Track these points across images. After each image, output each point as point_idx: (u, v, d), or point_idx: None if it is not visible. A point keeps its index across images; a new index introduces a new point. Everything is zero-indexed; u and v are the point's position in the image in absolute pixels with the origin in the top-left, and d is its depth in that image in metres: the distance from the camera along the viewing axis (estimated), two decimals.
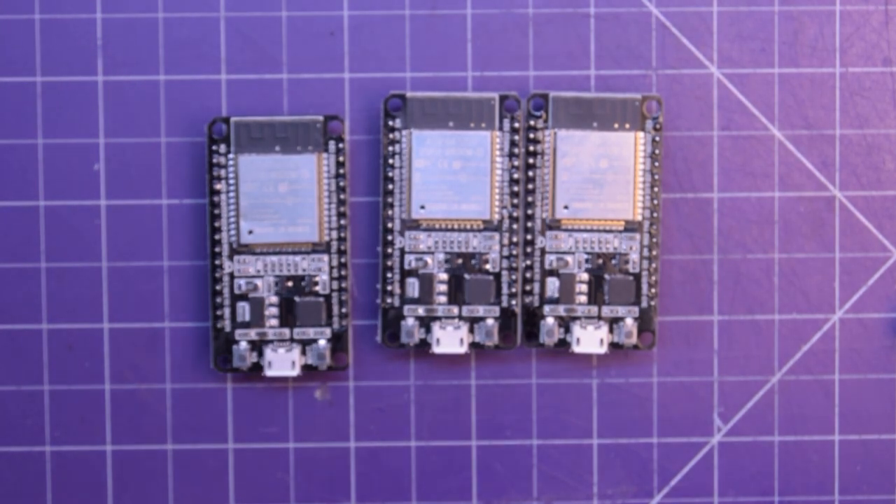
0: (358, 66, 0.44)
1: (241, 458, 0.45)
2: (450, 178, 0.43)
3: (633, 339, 0.43)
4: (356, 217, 0.44)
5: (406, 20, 0.44)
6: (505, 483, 0.45)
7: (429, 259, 0.43)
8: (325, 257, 0.43)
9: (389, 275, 0.43)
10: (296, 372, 0.43)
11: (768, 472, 0.45)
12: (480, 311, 0.43)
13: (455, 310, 0.43)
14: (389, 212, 0.43)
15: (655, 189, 0.43)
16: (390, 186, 0.43)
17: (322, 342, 0.43)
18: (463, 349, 0.43)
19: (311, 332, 0.43)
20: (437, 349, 0.43)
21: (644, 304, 0.43)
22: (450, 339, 0.43)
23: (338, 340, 0.43)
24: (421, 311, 0.43)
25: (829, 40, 0.44)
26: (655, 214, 0.43)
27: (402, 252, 0.43)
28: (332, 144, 0.43)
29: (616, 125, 0.43)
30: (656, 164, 0.43)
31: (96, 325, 0.44)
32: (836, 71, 0.44)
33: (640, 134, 0.43)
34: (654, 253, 0.43)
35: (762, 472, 0.45)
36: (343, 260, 0.43)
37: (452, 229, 0.43)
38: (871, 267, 0.44)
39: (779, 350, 0.45)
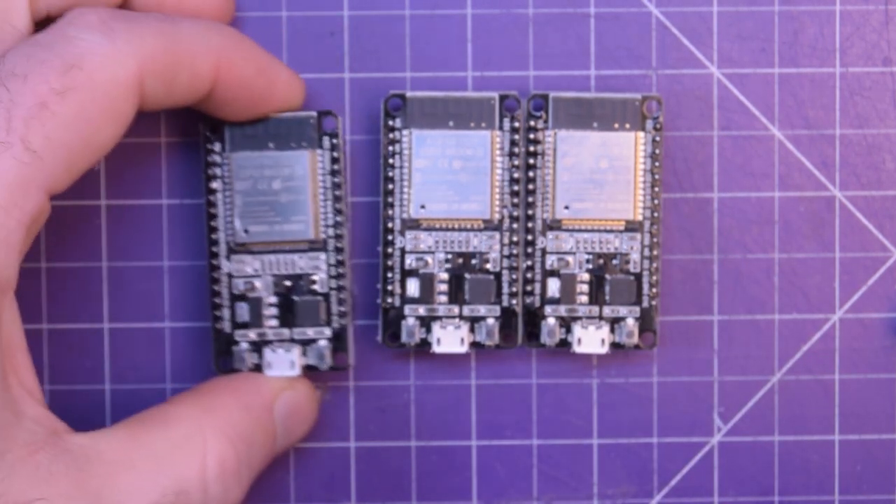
0: (358, 66, 0.44)
1: None
2: (450, 177, 0.43)
3: (635, 339, 0.43)
4: (356, 217, 0.44)
5: (406, 20, 0.44)
6: (505, 483, 0.45)
7: (429, 259, 0.43)
8: (322, 255, 0.43)
9: (390, 275, 0.43)
10: (296, 372, 0.43)
11: (768, 472, 0.45)
12: (481, 310, 0.43)
13: (455, 309, 0.43)
14: (390, 211, 0.43)
15: (656, 189, 0.43)
16: (390, 186, 0.43)
17: (322, 342, 0.43)
18: (463, 349, 0.43)
19: (310, 332, 0.43)
20: (437, 349, 0.43)
21: (645, 303, 0.43)
22: (450, 339, 0.43)
23: (338, 340, 0.43)
24: (421, 310, 0.43)
25: (829, 40, 0.44)
26: (656, 214, 0.43)
27: (403, 252, 0.43)
28: (326, 140, 0.43)
29: (616, 125, 0.43)
30: (656, 164, 0.43)
31: (96, 325, 0.44)
32: (836, 71, 0.44)
33: (641, 134, 0.43)
34: (655, 253, 0.43)
35: (762, 472, 0.45)
36: (341, 258, 0.43)
37: (453, 229, 0.43)
38: (871, 267, 0.44)
39: (779, 350, 0.45)
